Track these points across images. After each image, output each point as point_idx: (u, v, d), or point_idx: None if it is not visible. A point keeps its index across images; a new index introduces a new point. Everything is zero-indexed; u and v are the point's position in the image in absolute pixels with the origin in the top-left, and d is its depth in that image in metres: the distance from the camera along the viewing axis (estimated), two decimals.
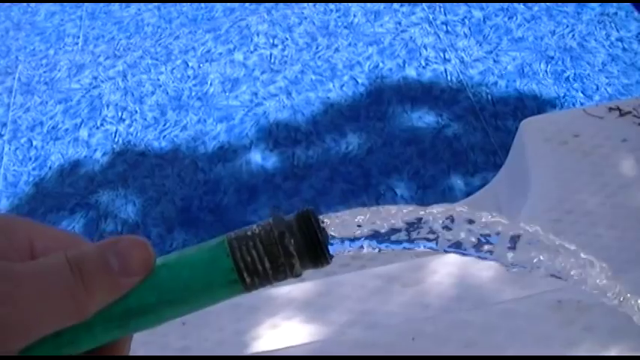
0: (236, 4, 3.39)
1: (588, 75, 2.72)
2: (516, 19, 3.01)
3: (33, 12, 3.71)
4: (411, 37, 3.02)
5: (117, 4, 3.59)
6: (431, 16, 3.10)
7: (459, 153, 2.52)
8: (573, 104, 2.60)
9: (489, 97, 2.70)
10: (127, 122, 2.93)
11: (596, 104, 1.73)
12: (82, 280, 0.36)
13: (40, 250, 0.39)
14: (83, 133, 2.93)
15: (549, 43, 2.88)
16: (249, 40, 3.19)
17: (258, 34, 3.21)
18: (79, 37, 3.47)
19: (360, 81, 2.87)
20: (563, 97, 2.65)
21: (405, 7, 3.16)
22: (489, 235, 0.41)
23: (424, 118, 2.66)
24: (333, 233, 0.39)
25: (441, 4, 3.13)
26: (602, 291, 0.43)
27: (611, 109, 1.23)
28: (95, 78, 3.19)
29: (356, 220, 0.40)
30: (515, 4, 3.06)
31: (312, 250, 0.38)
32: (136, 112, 2.97)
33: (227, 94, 2.95)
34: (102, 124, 2.95)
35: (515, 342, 0.85)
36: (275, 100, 2.86)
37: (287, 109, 2.81)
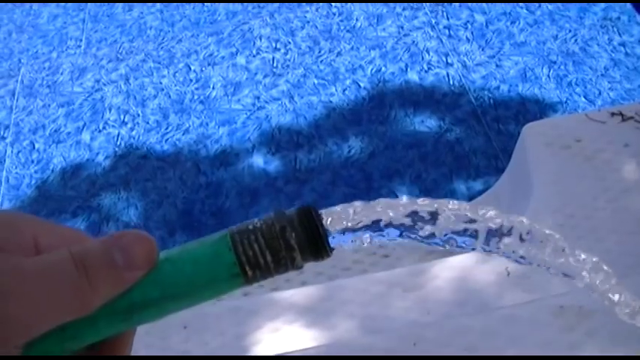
0: (239, 8, 3.39)
1: (590, 80, 2.71)
2: (519, 23, 3.01)
3: (36, 15, 3.72)
4: (414, 41, 3.02)
5: (120, 7, 3.59)
6: (433, 21, 3.10)
7: (461, 157, 2.52)
8: (575, 109, 2.60)
9: (491, 101, 2.70)
10: (129, 125, 2.93)
11: (599, 109, 1.73)
12: (86, 275, 0.36)
13: (44, 246, 0.39)
14: (85, 136, 2.93)
15: (552, 48, 2.88)
16: (251, 43, 3.19)
17: (260, 38, 3.21)
18: (81, 40, 3.48)
19: (362, 85, 2.87)
20: (566, 101, 2.64)
21: (408, 11, 3.16)
22: (495, 229, 0.42)
23: (426, 122, 2.66)
24: (333, 227, 0.40)
25: (443, 9, 3.13)
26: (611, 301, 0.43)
27: (613, 114, 1.23)
28: (97, 81, 3.19)
29: (354, 213, 0.41)
30: (518, 9, 3.06)
31: (313, 243, 0.39)
32: (139, 115, 2.97)
33: (229, 97, 2.95)
34: (104, 128, 2.95)
35: (516, 347, 0.85)
36: (277, 103, 2.87)
37: (289, 112, 2.81)
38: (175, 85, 3.07)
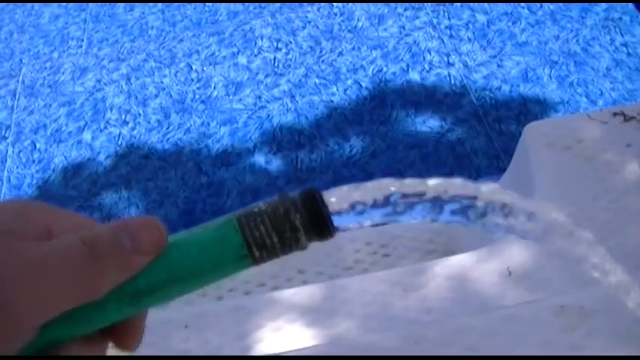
0: (240, 8, 3.39)
1: (592, 80, 2.71)
2: (520, 23, 3.00)
3: (37, 15, 3.72)
4: (415, 41, 3.02)
5: (121, 7, 3.59)
6: (435, 20, 3.10)
7: (463, 157, 2.52)
8: (577, 109, 2.60)
9: (493, 101, 2.70)
10: (130, 125, 2.93)
11: (600, 109, 1.73)
12: (96, 260, 0.37)
13: (56, 232, 0.40)
14: (87, 135, 2.94)
15: (553, 48, 2.87)
16: (253, 43, 3.19)
17: (262, 38, 3.22)
18: (82, 40, 3.48)
19: (363, 85, 2.87)
20: (567, 102, 2.64)
21: (409, 11, 3.16)
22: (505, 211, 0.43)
23: (427, 122, 2.66)
24: (335, 207, 0.41)
25: (444, 9, 3.13)
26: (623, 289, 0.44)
27: (615, 114, 1.23)
28: (99, 81, 3.19)
29: (356, 194, 0.42)
30: (520, 9, 3.06)
31: (317, 224, 0.40)
32: (140, 115, 2.97)
33: (231, 97, 2.95)
34: (105, 127, 2.95)
35: (517, 347, 0.85)
36: (279, 103, 2.87)
37: (291, 112, 2.81)
38: (177, 85, 3.07)
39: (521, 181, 1.28)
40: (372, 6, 3.21)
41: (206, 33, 3.31)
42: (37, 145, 2.94)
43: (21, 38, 3.59)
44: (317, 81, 2.93)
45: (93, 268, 0.37)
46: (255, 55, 3.13)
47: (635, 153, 1.15)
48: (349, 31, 3.14)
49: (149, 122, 2.93)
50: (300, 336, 0.94)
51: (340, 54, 3.04)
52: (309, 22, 3.23)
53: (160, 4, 3.54)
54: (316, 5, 3.29)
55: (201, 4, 3.47)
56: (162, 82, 3.10)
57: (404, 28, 3.09)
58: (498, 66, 2.84)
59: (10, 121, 3.09)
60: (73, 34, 3.53)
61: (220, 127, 2.83)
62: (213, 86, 3.02)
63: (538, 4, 3.06)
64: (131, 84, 3.13)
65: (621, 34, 2.88)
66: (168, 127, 2.88)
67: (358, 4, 3.22)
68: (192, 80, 3.07)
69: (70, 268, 0.37)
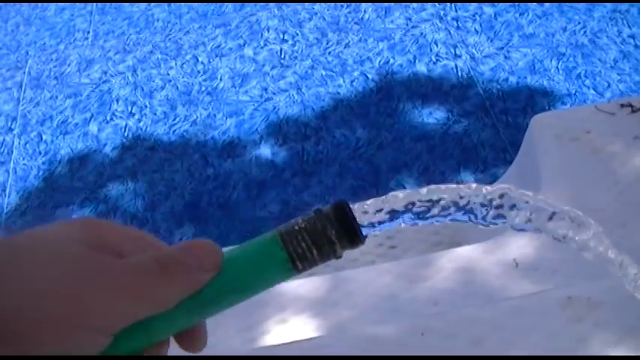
0: None
1: (600, 72, 2.70)
2: (527, 15, 2.99)
3: (43, 7, 3.72)
4: (422, 33, 3.01)
5: None
6: (441, 12, 3.09)
7: (469, 149, 2.51)
8: (584, 101, 2.59)
9: (500, 93, 2.69)
10: (136, 117, 2.93)
11: (608, 101, 1.72)
12: (167, 277, 0.44)
13: (125, 249, 0.46)
14: (93, 127, 2.94)
15: (560, 40, 2.86)
16: (259, 35, 3.19)
17: (268, 30, 3.21)
18: (89, 32, 3.48)
19: (370, 77, 2.87)
20: (574, 93, 2.63)
21: (416, 3, 3.15)
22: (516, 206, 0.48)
23: (434, 114, 2.65)
24: (363, 219, 0.48)
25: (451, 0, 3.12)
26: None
27: (622, 105, 1.22)
28: (105, 73, 3.19)
29: (380, 205, 0.48)
30: (527, 1, 3.05)
31: (349, 235, 0.46)
32: (146, 106, 2.97)
33: (237, 89, 2.95)
34: (111, 119, 2.95)
35: (524, 338, 0.84)
36: (285, 95, 2.86)
37: (297, 104, 2.81)
38: (183, 77, 3.06)
39: (528, 172, 1.28)
40: None
41: (212, 25, 3.31)
42: (43, 137, 2.94)
43: (27, 31, 3.60)
44: (323, 73, 2.93)
45: (164, 284, 0.43)
46: (262, 47, 3.12)
47: None
48: (356, 22, 3.13)
49: (155, 114, 2.93)
50: (306, 327, 0.93)
51: (347, 46, 3.03)
52: (316, 13, 3.23)
53: None
54: None
55: None
56: (168, 74, 3.10)
57: (410, 19, 3.09)
58: (505, 58, 2.83)
59: (17, 113, 3.09)
60: (79, 26, 3.53)
61: (226, 118, 2.83)
62: (219, 78, 3.01)
63: None
64: (137, 76, 3.13)
65: (629, 26, 2.87)
66: (174, 119, 2.88)
67: None
68: (199, 72, 3.07)
69: (144, 284, 0.43)
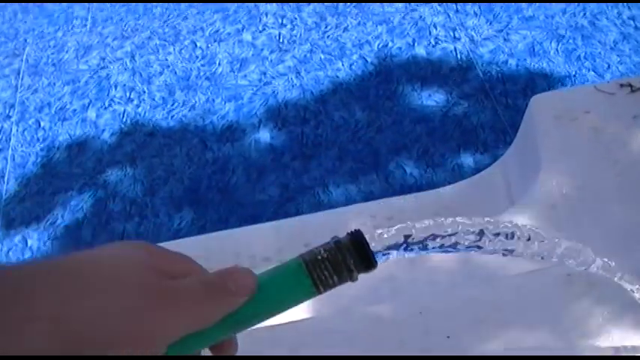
0: None
1: (599, 53, 2.70)
2: None
3: None
4: (421, 16, 3.00)
5: None
6: None
7: (469, 131, 2.51)
8: (584, 83, 2.58)
9: (499, 75, 2.68)
10: (135, 102, 2.93)
11: (607, 81, 1.71)
12: (211, 298, 0.51)
13: (173, 272, 0.53)
14: (91, 113, 2.93)
15: (560, 22, 2.85)
16: (257, 19, 3.18)
17: (266, 14, 3.20)
18: (87, 19, 3.47)
19: (369, 60, 2.86)
20: (574, 75, 2.63)
21: None
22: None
23: (434, 97, 2.65)
24: (377, 247, 0.56)
25: None
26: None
27: (622, 85, 1.21)
28: (103, 59, 3.18)
29: (391, 235, 0.57)
30: None
31: (365, 263, 0.53)
32: (144, 92, 2.96)
33: (236, 73, 2.94)
34: (110, 105, 2.95)
35: (524, 317, 0.84)
36: (284, 79, 2.86)
37: (296, 88, 2.80)
38: (181, 62, 3.06)
39: (528, 152, 1.27)
40: None
41: (210, 10, 3.30)
42: (42, 124, 2.94)
43: (25, 18, 3.59)
44: (322, 56, 2.92)
45: (209, 304, 0.51)
46: (260, 32, 3.12)
47: None
48: (354, 6, 3.12)
49: (154, 99, 2.92)
50: (306, 307, 0.93)
51: (345, 29, 3.02)
52: None
53: None
54: None
55: None
56: (166, 60, 3.09)
57: (409, 2, 3.07)
58: (505, 40, 2.82)
59: (15, 100, 3.09)
60: (77, 13, 3.52)
61: (225, 103, 2.82)
62: (217, 63, 3.01)
63: None
64: (135, 61, 3.12)
65: (628, 8, 2.86)
66: (172, 104, 2.87)
67: None
68: (197, 57, 3.06)
69: (192, 304, 0.50)
